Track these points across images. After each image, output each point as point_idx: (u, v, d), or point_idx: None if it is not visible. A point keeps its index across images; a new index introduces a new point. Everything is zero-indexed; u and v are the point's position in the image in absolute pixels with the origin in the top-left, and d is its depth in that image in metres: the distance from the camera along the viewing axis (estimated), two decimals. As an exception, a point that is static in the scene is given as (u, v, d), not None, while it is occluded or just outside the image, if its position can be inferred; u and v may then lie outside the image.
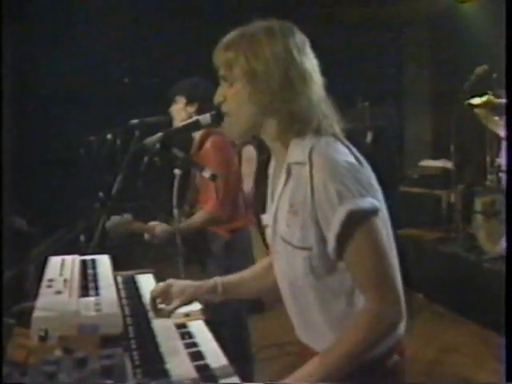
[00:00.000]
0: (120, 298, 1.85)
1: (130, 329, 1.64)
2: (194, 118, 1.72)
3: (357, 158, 1.43)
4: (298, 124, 1.44)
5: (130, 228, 3.08)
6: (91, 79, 6.55)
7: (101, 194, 2.25)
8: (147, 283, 2.07)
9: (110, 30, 6.45)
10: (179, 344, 1.57)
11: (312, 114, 1.44)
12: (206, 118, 1.64)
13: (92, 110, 6.48)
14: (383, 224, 1.42)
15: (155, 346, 1.52)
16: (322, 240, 1.40)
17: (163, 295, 1.74)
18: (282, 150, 1.50)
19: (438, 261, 5.37)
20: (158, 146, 1.69)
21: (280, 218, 1.49)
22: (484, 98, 5.09)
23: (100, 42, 6.58)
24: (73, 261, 1.87)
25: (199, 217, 3.17)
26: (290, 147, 1.47)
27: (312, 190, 1.37)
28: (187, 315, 1.92)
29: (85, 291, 1.60)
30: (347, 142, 1.49)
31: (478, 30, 6.39)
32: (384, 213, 1.46)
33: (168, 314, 1.73)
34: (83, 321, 1.35)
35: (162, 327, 1.66)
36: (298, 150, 1.45)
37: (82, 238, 3.44)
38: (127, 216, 3.05)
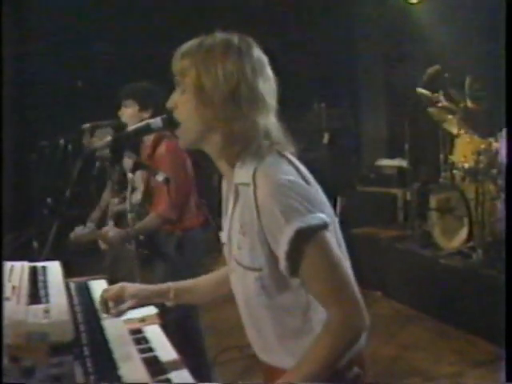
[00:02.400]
0: (72, 305, 1.81)
1: (83, 336, 1.60)
2: (145, 121, 1.70)
3: (303, 177, 1.42)
4: (239, 144, 1.42)
5: (92, 237, 3.06)
6: (43, 82, 6.43)
7: (49, 200, 2.22)
8: (100, 289, 2.02)
9: (59, 33, 6.35)
10: (133, 349, 1.54)
11: (255, 137, 1.42)
12: (157, 121, 1.63)
13: (44, 114, 6.36)
14: (333, 236, 1.43)
15: (108, 352, 1.49)
16: (273, 259, 1.39)
17: (115, 297, 1.73)
18: (229, 169, 1.49)
19: (395, 258, 5.44)
20: (107, 150, 1.66)
21: (233, 238, 1.49)
22: (435, 95, 5.21)
23: (52, 45, 6.48)
24: (22, 267, 1.83)
25: (150, 219, 3.17)
26: (236, 167, 1.46)
27: (258, 211, 1.36)
28: (142, 320, 1.90)
29: (34, 298, 1.56)
30: (295, 161, 1.47)
31: (429, 31, 6.50)
32: (335, 225, 1.47)
33: (119, 315, 1.73)
34: (31, 329, 1.31)
35: (116, 333, 1.63)
36: (242, 171, 1.43)
37: (35, 244, 3.40)
38: (90, 225, 3.02)
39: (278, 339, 1.49)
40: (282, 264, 1.37)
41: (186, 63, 1.44)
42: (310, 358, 1.38)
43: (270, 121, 1.45)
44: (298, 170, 1.43)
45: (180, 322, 3.00)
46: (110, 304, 1.72)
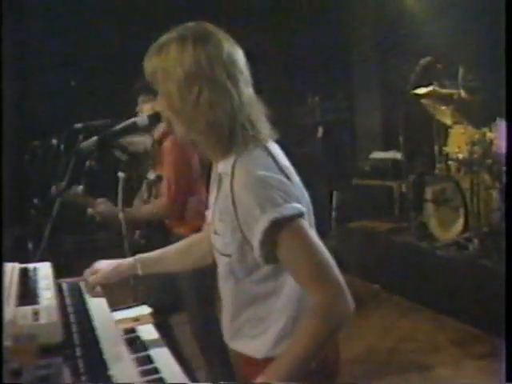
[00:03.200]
0: (65, 306, 1.81)
1: (75, 336, 1.59)
2: (131, 119, 1.69)
3: (282, 171, 1.44)
4: (217, 135, 1.44)
5: (77, 198, 3.03)
6: (35, 82, 6.43)
7: (35, 200, 2.21)
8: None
9: (52, 32, 6.34)
10: (124, 349, 1.53)
11: (232, 125, 1.42)
12: (143, 119, 1.62)
13: (37, 114, 6.36)
14: (309, 225, 1.45)
15: (99, 352, 1.48)
16: (243, 247, 1.44)
17: (93, 274, 1.86)
18: (215, 159, 1.54)
19: (392, 251, 5.44)
20: (94, 149, 1.66)
21: (214, 224, 1.54)
22: (429, 88, 5.20)
23: (46, 45, 6.47)
24: (12, 268, 1.82)
25: (146, 209, 3.17)
26: (222, 158, 1.49)
27: (233, 200, 1.40)
28: (136, 319, 1.89)
29: (23, 300, 1.55)
30: (277, 153, 1.49)
31: (422, 22, 6.49)
32: (311, 221, 1.50)
33: (93, 287, 1.87)
34: (20, 330, 1.30)
35: (108, 333, 1.62)
36: (224, 161, 1.47)
37: (30, 245, 3.39)
38: (79, 187, 3.00)
39: (244, 325, 1.55)
40: (256, 252, 1.40)
41: (150, 69, 1.46)
42: (299, 343, 1.39)
43: (248, 111, 1.45)
44: (277, 163, 1.44)
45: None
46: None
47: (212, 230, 1.55)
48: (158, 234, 3.21)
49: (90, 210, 3.06)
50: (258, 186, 1.37)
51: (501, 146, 4.59)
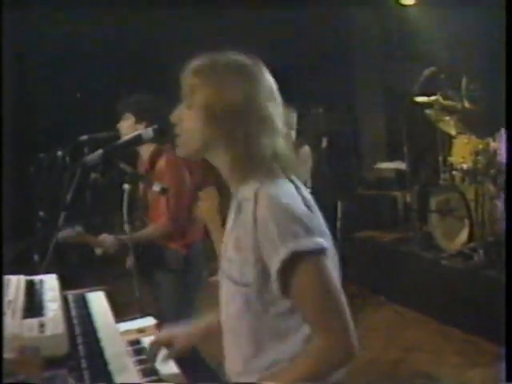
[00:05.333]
0: (70, 318, 1.82)
1: (80, 348, 1.61)
2: (136, 132, 1.71)
3: (306, 203, 1.41)
4: (247, 165, 1.43)
5: (80, 240, 3.04)
6: (41, 94, 6.46)
7: (41, 213, 2.23)
8: (98, 301, 2.04)
9: (58, 45, 6.38)
10: (129, 361, 1.55)
11: (263, 158, 1.42)
12: (148, 132, 1.64)
13: (42, 126, 6.39)
14: (332, 264, 1.40)
15: (104, 364, 1.49)
16: (263, 278, 1.38)
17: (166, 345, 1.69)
18: (235, 185, 1.49)
19: (397, 261, 5.43)
20: (99, 162, 1.67)
21: (227, 252, 1.48)
22: (432, 98, 5.22)
23: (51, 57, 6.51)
24: (18, 281, 1.83)
25: (151, 230, 3.17)
26: (241, 184, 1.46)
27: (255, 227, 1.36)
28: (141, 331, 1.90)
29: (29, 312, 1.56)
30: (301, 186, 1.47)
31: (425, 33, 6.52)
32: (333, 255, 1.44)
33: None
34: (25, 342, 1.32)
35: (112, 345, 1.63)
36: (247, 187, 1.43)
37: (35, 257, 3.40)
38: (77, 228, 3.02)
39: (249, 361, 1.46)
40: (274, 283, 1.36)
41: (197, 80, 1.44)
42: (288, 375, 1.36)
43: (279, 144, 1.44)
44: (302, 196, 1.42)
45: None
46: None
47: (225, 258, 1.48)
48: (151, 249, 3.21)
49: (98, 251, 3.07)
50: (281, 215, 1.34)
51: (503, 155, 4.60)
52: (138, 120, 3.16)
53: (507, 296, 1.80)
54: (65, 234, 2.92)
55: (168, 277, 3.20)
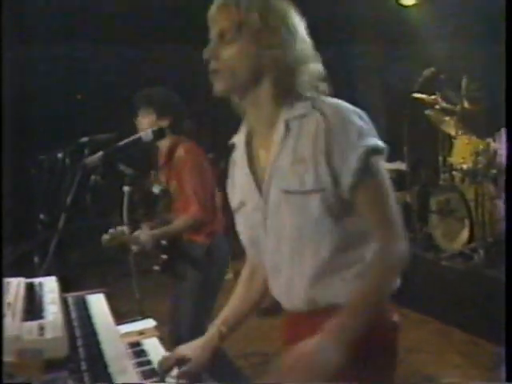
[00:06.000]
0: (70, 320, 1.82)
1: (80, 350, 1.61)
2: (136, 135, 1.71)
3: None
4: (289, 81, 1.48)
5: (123, 239, 3.03)
6: (42, 95, 6.46)
7: (41, 215, 2.23)
8: (97, 303, 2.04)
9: (59, 46, 6.39)
10: (129, 363, 1.55)
11: (304, 86, 1.49)
12: (147, 134, 1.64)
13: (43, 127, 6.39)
14: None
15: (104, 366, 1.49)
16: (335, 181, 1.42)
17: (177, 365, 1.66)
18: (270, 112, 1.52)
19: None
20: (99, 164, 1.68)
21: (280, 172, 1.49)
22: (432, 97, 5.22)
23: (52, 59, 6.51)
24: (18, 283, 1.83)
25: (182, 222, 3.13)
26: (284, 106, 1.50)
27: (327, 134, 1.41)
28: (141, 333, 1.90)
29: (29, 315, 1.56)
30: None
31: (425, 33, 6.52)
32: None
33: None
34: (25, 345, 1.32)
35: (113, 347, 1.63)
36: (297, 106, 1.49)
37: (36, 259, 3.40)
38: (119, 228, 3.02)
39: (325, 272, 1.48)
40: (346, 182, 1.41)
41: (230, 8, 1.48)
42: (368, 287, 1.43)
43: (310, 55, 1.52)
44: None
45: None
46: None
47: (280, 176, 1.49)
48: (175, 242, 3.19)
49: (134, 248, 3.06)
50: (353, 117, 1.42)
51: (503, 154, 4.60)
52: (161, 115, 3.13)
53: (507, 296, 1.80)
54: (109, 235, 2.93)
55: (191, 269, 3.17)
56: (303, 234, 1.47)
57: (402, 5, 6.71)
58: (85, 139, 3.30)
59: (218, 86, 1.51)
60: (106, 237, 2.96)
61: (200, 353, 1.68)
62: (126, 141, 1.75)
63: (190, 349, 1.70)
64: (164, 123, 3.07)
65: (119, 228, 2.96)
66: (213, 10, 1.52)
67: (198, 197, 3.05)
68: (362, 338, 1.36)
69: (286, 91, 1.50)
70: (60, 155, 3.64)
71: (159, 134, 1.57)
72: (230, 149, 1.68)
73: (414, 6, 6.70)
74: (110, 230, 2.97)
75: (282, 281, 1.56)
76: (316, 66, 1.52)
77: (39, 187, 4.08)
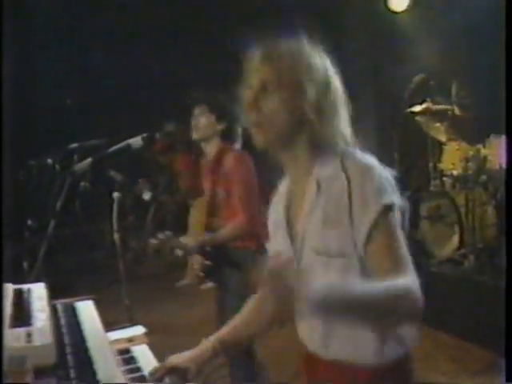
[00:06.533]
0: (59, 327, 1.80)
1: (69, 357, 1.59)
2: (125, 142, 1.70)
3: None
4: (324, 143, 1.51)
5: (170, 244, 3.03)
6: (32, 101, 6.43)
7: (29, 221, 2.22)
8: (87, 310, 2.02)
9: (48, 51, 6.37)
10: (118, 370, 1.53)
11: (336, 135, 1.51)
12: (137, 141, 1.64)
13: (32, 133, 6.35)
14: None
15: (93, 373, 1.48)
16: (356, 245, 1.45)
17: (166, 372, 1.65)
18: (306, 167, 1.54)
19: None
20: (88, 171, 1.67)
21: (312, 231, 1.51)
22: (424, 105, 5.23)
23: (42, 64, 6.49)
24: (6, 289, 1.82)
25: (229, 230, 3.12)
26: (317, 164, 1.52)
27: (350, 196, 1.44)
28: (130, 340, 1.89)
29: (17, 321, 1.55)
30: None
31: (414, 40, 6.55)
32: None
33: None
34: (13, 352, 1.30)
35: (102, 354, 1.61)
36: (327, 166, 1.50)
37: (25, 265, 3.38)
38: (167, 233, 3.01)
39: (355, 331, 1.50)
40: (361, 238, 1.43)
41: (280, 64, 1.49)
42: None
43: (346, 118, 1.54)
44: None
45: None
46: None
47: (313, 237, 1.51)
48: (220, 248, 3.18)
49: (178, 252, 3.05)
50: (373, 173, 1.44)
51: (501, 158, 4.59)
52: (219, 119, 3.12)
53: (507, 297, 1.81)
54: (157, 239, 2.93)
55: (237, 273, 3.14)
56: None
57: (393, 11, 6.73)
58: (74, 145, 3.29)
59: (259, 139, 1.53)
60: (153, 241, 2.97)
61: (191, 365, 1.67)
62: (115, 147, 1.74)
63: (181, 359, 1.68)
64: (220, 127, 3.10)
65: (167, 233, 2.97)
66: (256, 59, 1.52)
67: (247, 208, 3.05)
68: None
69: (322, 145, 1.52)
70: (49, 161, 3.62)
71: (149, 141, 1.55)
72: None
73: (404, 11, 6.73)
74: (159, 235, 2.98)
75: (306, 323, 1.61)
76: (345, 113, 1.54)
77: (28, 193, 4.06)
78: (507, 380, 1.64)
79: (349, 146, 1.53)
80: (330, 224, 1.47)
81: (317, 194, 1.50)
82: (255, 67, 1.52)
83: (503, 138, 4.57)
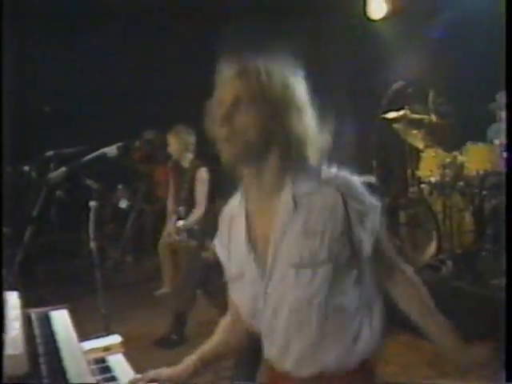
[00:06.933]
0: (33, 336, 1.78)
1: (43, 367, 1.57)
2: (100, 150, 1.70)
3: None
4: (297, 152, 1.51)
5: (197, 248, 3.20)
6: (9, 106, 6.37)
7: (5, 229, 2.20)
8: (61, 320, 2.00)
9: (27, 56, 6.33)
10: (92, 380, 1.52)
11: (306, 147, 1.52)
12: (112, 150, 1.63)
13: (9, 139, 6.28)
14: None
15: (66, 383, 1.47)
16: (340, 254, 1.50)
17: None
18: (274, 184, 1.53)
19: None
20: (63, 179, 1.66)
21: (289, 246, 1.50)
22: (401, 113, 5.28)
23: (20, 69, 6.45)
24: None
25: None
26: (288, 180, 1.52)
27: (345, 208, 1.49)
28: (107, 349, 1.88)
29: (-12, 331, 1.53)
30: None
31: (392, 48, 6.61)
32: None
33: None
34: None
35: (75, 364, 1.60)
36: (305, 181, 1.52)
37: (4, 272, 3.33)
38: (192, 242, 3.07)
39: (319, 341, 1.53)
40: (367, 242, 1.54)
41: (248, 79, 1.49)
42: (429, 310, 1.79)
43: (313, 126, 1.55)
44: None
45: None
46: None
47: (290, 252, 1.50)
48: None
49: (203, 254, 3.09)
50: (354, 181, 1.55)
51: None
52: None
53: (507, 297, 1.83)
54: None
55: None
56: (307, 305, 1.50)
57: (370, 19, 6.80)
58: (50, 153, 3.26)
59: (228, 153, 1.52)
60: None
61: (171, 380, 1.67)
62: (89, 156, 1.73)
63: (160, 375, 1.67)
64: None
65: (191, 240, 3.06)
66: (230, 74, 1.52)
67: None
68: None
69: (294, 163, 1.52)
70: (26, 168, 3.59)
71: (124, 150, 1.55)
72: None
73: (382, 19, 6.79)
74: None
75: (277, 344, 1.59)
76: (323, 138, 1.56)
77: (3, 200, 4.02)
78: (507, 380, 1.65)
79: (321, 162, 1.55)
80: (315, 235, 1.48)
81: (294, 210, 1.50)
82: (230, 81, 1.51)
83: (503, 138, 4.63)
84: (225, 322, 1.80)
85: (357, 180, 1.56)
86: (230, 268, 1.66)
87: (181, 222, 4.09)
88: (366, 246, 1.53)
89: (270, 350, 1.63)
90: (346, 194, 1.50)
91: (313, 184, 1.51)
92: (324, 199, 1.49)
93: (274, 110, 1.49)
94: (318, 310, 1.50)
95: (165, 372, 1.69)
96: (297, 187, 1.51)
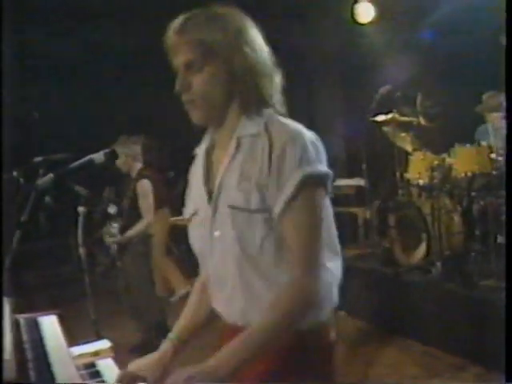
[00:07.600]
0: (22, 342, 1.78)
1: (31, 373, 1.57)
2: (88, 156, 1.70)
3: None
4: (258, 102, 1.50)
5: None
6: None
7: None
8: (50, 325, 1.99)
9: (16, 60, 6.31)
10: (81, 385, 1.52)
11: (269, 93, 1.51)
12: (99, 156, 1.63)
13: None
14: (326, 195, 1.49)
15: (55, 389, 1.46)
16: (266, 203, 1.44)
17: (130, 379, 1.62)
18: (231, 128, 1.53)
19: (357, 277, 5.46)
20: (51, 186, 1.66)
21: (228, 187, 1.49)
22: (389, 116, 5.31)
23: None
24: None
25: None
26: (240, 122, 1.51)
27: (270, 157, 1.42)
28: (96, 354, 1.87)
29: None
30: None
31: (380, 51, 6.65)
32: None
33: None
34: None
35: (64, 369, 1.59)
36: (250, 124, 1.49)
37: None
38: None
39: (260, 290, 1.49)
40: (278, 208, 1.42)
41: (203, 35, 1.46)
42: (272, 315, 1.43)
43: (276, 86, 1.54)
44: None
45: None
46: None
47: (229, 192, 1.49)
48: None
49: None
50: (298, 139, 1.42)
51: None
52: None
53: (507, 297, 1.84)
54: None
55: None
56: (247, 251, 1.48)
57: (358, 23, 6.83)
58: (39, 159, 3.25)
59: (196, 116, 1.52)
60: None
61: (153, 368, 1.65)
62: (77, 162, 1.73)
63: (143, 365, 1.66)
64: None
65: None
66: (173, 38, 1.49)
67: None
68: (295, 358, 1.45)
69: (250, 105, 1.51)
70: (14, 173, 3.58)
71: (111, 156, 1.55)
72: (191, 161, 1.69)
73: (370, 23, 6.83)
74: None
75: (224, 294, 1.57)
76: (277, 79, 1.54)
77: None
78: (507, 380, 1.66)
79: (278, 113, 1.53)
80: (248, 180, 1.45)
81: (236, 150, 1.50)
82: (175, 46, 1.49)
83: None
84: (197, 283, 1.78)
85: (305, 141, 1.43)
86: (188, 208, 1.66)
87: (111, 239, 3.66)
88: (276, 208, 1.43)
89: (218, 300, 1.62)
90: (274, 147, 1.42)
91: (257, 127, 1.48)
92: (259, 145, 1.46)
93: (226, 61, 1.47)
94: (254, 257, 1.47)
95: (145, 361, 1.67)
96: (243, 129, 1.50)
